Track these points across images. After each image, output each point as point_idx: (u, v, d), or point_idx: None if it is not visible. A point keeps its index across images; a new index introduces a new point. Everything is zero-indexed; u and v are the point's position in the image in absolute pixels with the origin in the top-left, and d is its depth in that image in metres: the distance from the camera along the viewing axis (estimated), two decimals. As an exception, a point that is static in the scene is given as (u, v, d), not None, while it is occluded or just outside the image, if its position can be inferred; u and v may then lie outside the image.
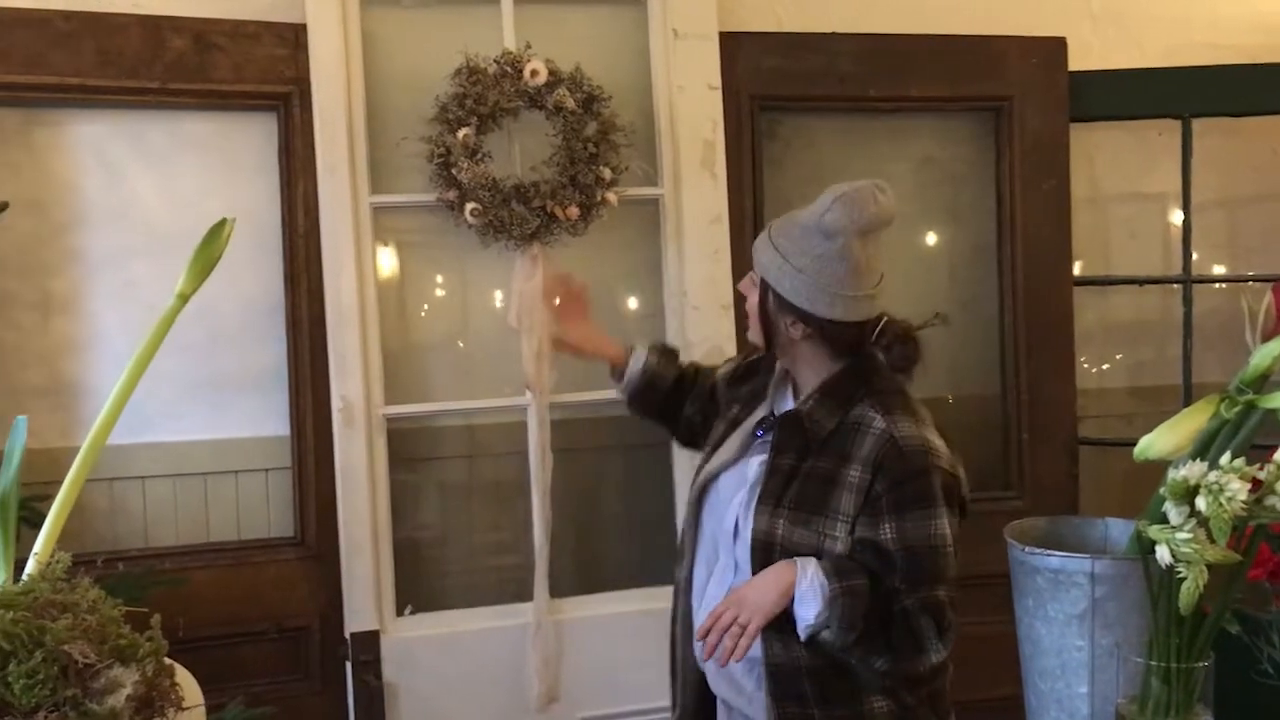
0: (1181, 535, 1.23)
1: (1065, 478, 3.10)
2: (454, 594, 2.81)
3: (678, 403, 2.26)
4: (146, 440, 2.70)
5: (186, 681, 1.13)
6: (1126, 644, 1.51)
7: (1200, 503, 1.23)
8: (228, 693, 2.51)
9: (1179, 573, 1.26)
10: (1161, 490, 1.30)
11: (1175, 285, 3.20)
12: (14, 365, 2.62)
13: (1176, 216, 3.21)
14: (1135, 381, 3.44)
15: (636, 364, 2.25)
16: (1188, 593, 1.25)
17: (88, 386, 2.66)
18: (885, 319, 1.94)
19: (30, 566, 1.10)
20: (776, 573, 1.81)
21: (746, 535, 1.91)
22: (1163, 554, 1.25)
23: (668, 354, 2.30)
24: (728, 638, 1.77)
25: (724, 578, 2.00)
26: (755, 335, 1.98)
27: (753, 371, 2.12)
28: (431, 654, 2.66)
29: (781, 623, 1.80)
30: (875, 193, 1.84)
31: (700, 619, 2.00)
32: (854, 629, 1.78)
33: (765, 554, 1.86)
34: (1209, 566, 1.25)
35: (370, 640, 2.62)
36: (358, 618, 2.62)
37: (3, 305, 2.61)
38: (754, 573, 1.87)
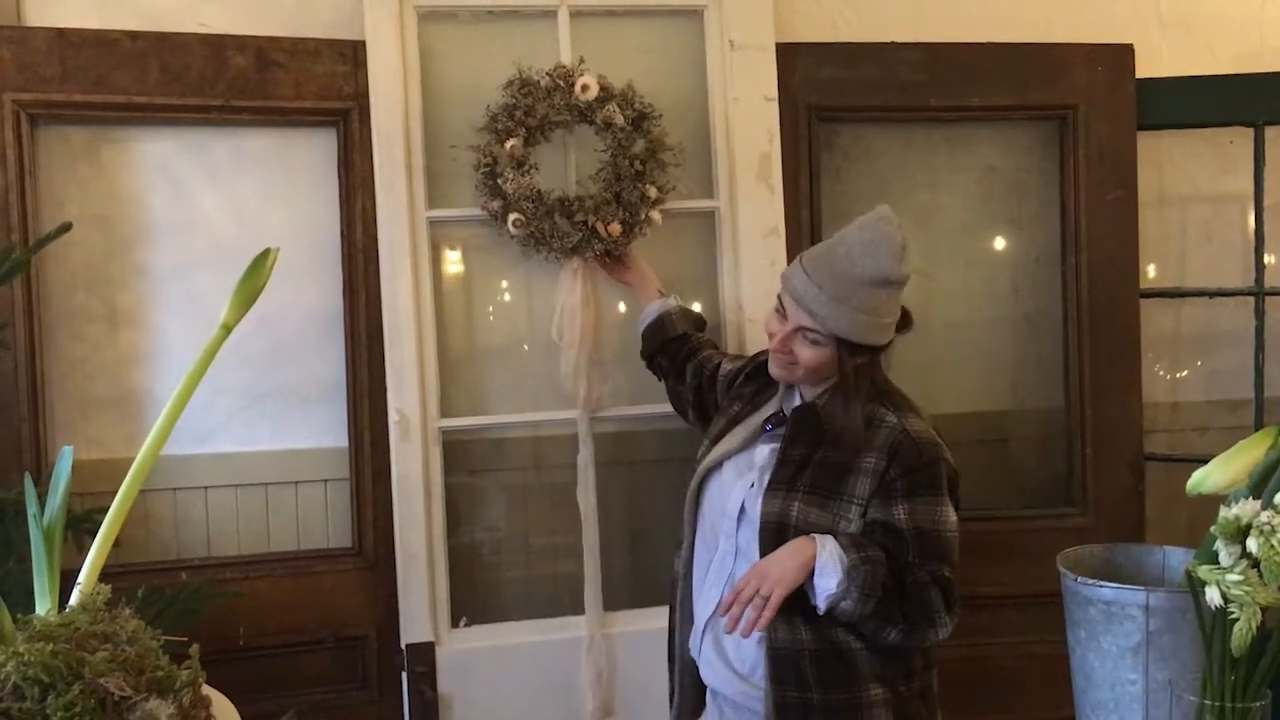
0: (1232, 577, 1.20)
1: (1130, 495, 3.02)
2: (509, 606, 2.82)
3: (674, 356, 2.48)
4: (209, 451, 2.75)
5: (225, 710, 1.15)
6: (1182, 679, 1.48)
7: (1251, 543, 1.20)
8: (287, 701, 2.56)
9: (1231, 614, 1.22)
10: (1213, 529, 1.27)
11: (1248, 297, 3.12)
12: (81, 377, 2.68)
13: (1251, 225, 3.13)
14: (1211, 394, 3.35)
15: (658, 304, 2.56)
16: (1240, 634, 1.21)
17: (153, 397, 2.71)
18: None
19: (74, 596, 1.13)
20: (795, 547, 1.90)
21: (755, 518, 2.00)
22: (1213, 596, 1.22)
23: (692, 317, 2.57)
24: (750, 609, 1.86)
25: (724, 563, 2.11)
26: (810, 380, 2.08)
27: (756, 374, 2.23)
28: (486, 666, 2.68)
29: (788, 606, 1.88)
30: (896, 227, 1.99)
31: (699, 607, 2.16)
32: (873, 596, 1.87)
33: (778, 535, 1.96)
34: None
35: (426, 651, 2.64)
36: (413, 629, 2.65)
37: (71, 318, 2.67)
38: (764, 552, 1.96)
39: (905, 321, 2.07)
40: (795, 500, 1.96)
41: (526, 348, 2.86)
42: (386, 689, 2.73)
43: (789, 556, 1.89)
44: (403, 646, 2.65)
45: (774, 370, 2.10)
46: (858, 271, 1.95)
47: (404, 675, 2.65)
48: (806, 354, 2.02)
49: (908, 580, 1.91)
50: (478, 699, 2.67)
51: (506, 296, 2.85)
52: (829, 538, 1.90)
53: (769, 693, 1.98)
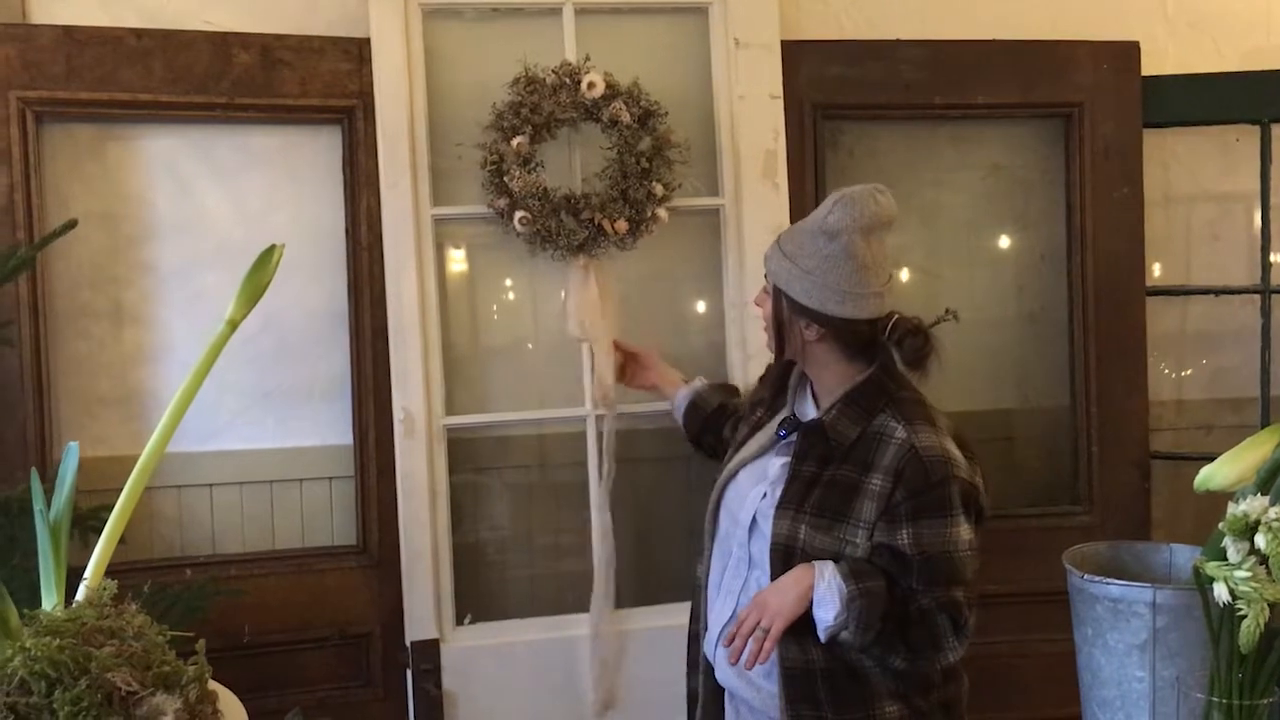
0: (1240, 573, 1.19)
1: (1136, 493, 3.02)
2: (513, 603, 2.82)
3: (718, 429, 2.38)
4: (214, 448, 2.75)
5: (231, 706, 1.15)
6: (1189, 676, 1.47)
7: (1260, 540, 1.19)
8: (292, 698, 2.57)
9: (1239, 610, 1.22)
10: (1221, 525, 1.26)
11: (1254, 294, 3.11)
12: (86, 375, 2.68)
13: (1257, 223, 3.12)
14: (1216, 393, 3.35)
15: (686, 388, 2.49)
16: (1248, 631, 1.21)
17: (157, 395, 2.72)
18: (895, 316, 2.00)
19: (80, 592, 1.13)
20: (795, 577, 1.88)
21: (766, 533, 1.98)
22: (1220, 592, 1.21)
23: (724, 387, 2.51)
24: (752, 642, 1.85)
25: (738, 571, 2.09)
26: (768, 342, 2.08)
27: (776, 376, 2.19)
28: (490, 663, 2.68)
29: (798, 626, 1.87)
30: (875, 194, 1.94)
31: (713, 613, 2.13)
32: (871, 629, 1.85)
33: (786, 557, 1.94)
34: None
35: (430, 649, 2.64)
36: (418, 626, 2.65)
37: (76, 316, 2.67)
38: (774, 574, 1.94)
39: (905, 349, 1.99)
40: (803, 523, 1.93)
41: (530, 346, 2.86)
42: (391, 686, 2.73)
43: (789, 586, 1.87)
44: (407, 644, 2.65)
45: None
46: (804, 221, 2.02)
47: (409, 673, 2.65)
48: (764, 306, 2.06)
49: (912, 608, 1.88)
50: (482, 696, 2.67)
51: (511, 295, 2.85)
52: (829, 565, 1.87)
53: (784, 711, 1.96)
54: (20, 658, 1.00)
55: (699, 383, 2.51)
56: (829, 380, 2.03)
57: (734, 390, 2.55)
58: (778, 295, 2.00)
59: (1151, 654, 1.55)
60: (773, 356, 2.09)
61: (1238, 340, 3.26)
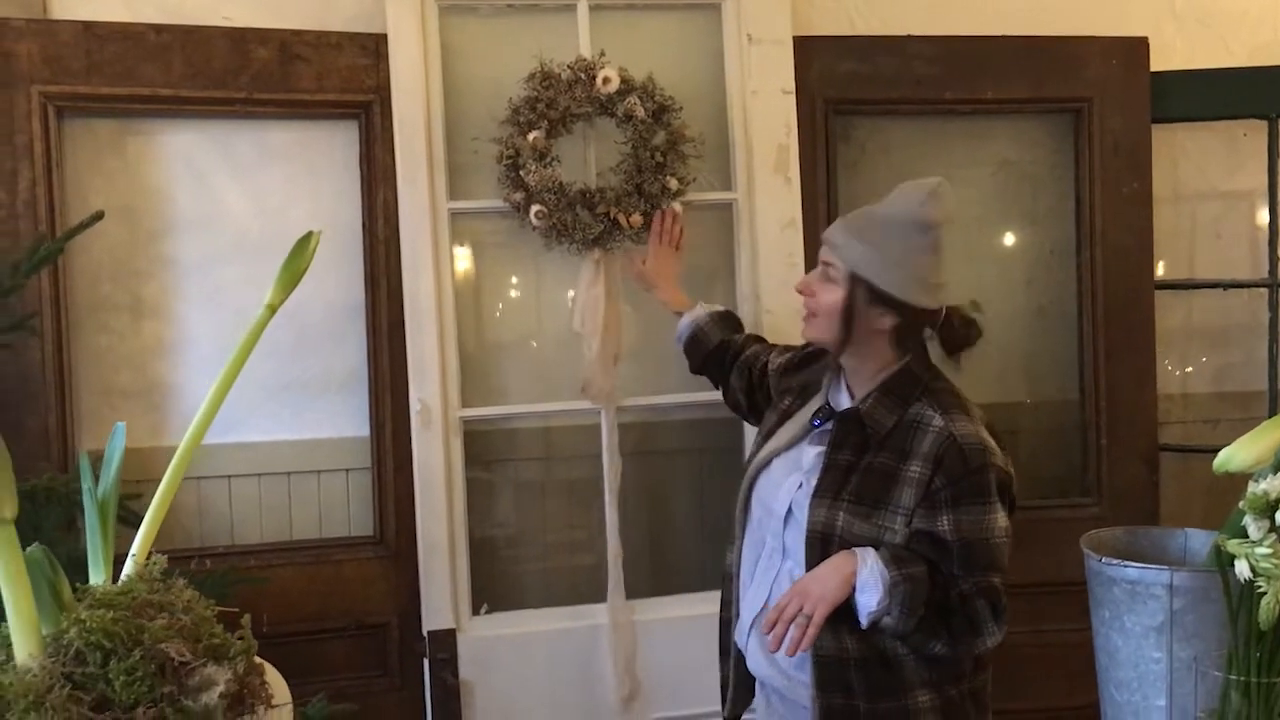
0: (1261, 550, 1.22)
1: (1145, 485, 3.04)
2: (529, 594, 2.85)
3: (720, 364, 2.46)
4: (233, 440, 2.77)
5: (275, 680, 1.18)
6: (1205, 657, 1.50)
7: (1280, 518, 1.22)
8: (310, 688, 2.58)
9: (1259, 587, 1.25)
10: (1241, 504, 1.29)
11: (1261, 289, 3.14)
12: (107, 367, 2.70)
13: (1264, 218, 3.14)
14: (1222, 386, 3.37)
15: (689, 318, 2.54)
16: (1268, 608, 1.24)
17: (177, 388, 2.75)
18: (947, 307, 2.04)
19: (128, 567, 1.15)
20: (837, 563, 1.89)
21: (802, 522, 1.98)
22: (1242, 568, 1.24)
23: (725, 319, 2.54)
24: (794, 628, 1.84)
25: (771, 561, 2.09)
26: (829, 332, 2.02)
27: (805, 363, 2.21)
28: (507, 653, 2.70)
29: (834, 614, 1.86)
30: (949, 188, 1.97)
31: (745, 602, 2.14)
32: (914, 614, 1.85)
33: (824, 545, 1.94)
34: (1290, 581, 1.24)
35: (447, 638, 2.67)
36: (435, 616, 2.67)
37: (97, 309, 2.70)
38: (809, 562, 1.94)
39: (958, 336, 2.02)
40: (840, 510, 1.94)
41: (545, 339, 2.88)
42: (408, 676, 2.75)
43: (830, 573, 1.87)
44: (424, 634, 2.67)
45: (803, 332, 2.08)
46: (881, 211, 2.00)
47: (426, 662, 2.68)
48: (823, 293, 2.01)
49: (952, 594, 1.88)
50: (499, 685, 2.69)
51: (526, 288, 2.87)
52: (870, 552, 1.88)
53: (815, 698, 1.96)
54: (76, 629, 1.03)
55: (700, 311, 2.54)
56: (869, 369, 2.03)
57: (736, 323, 2.56)
58: (854, 283, 1.98)
59: (1168, 635, 1.58)
60: (832, 343, 2.04)
61: (1243, 335, 3.29)
